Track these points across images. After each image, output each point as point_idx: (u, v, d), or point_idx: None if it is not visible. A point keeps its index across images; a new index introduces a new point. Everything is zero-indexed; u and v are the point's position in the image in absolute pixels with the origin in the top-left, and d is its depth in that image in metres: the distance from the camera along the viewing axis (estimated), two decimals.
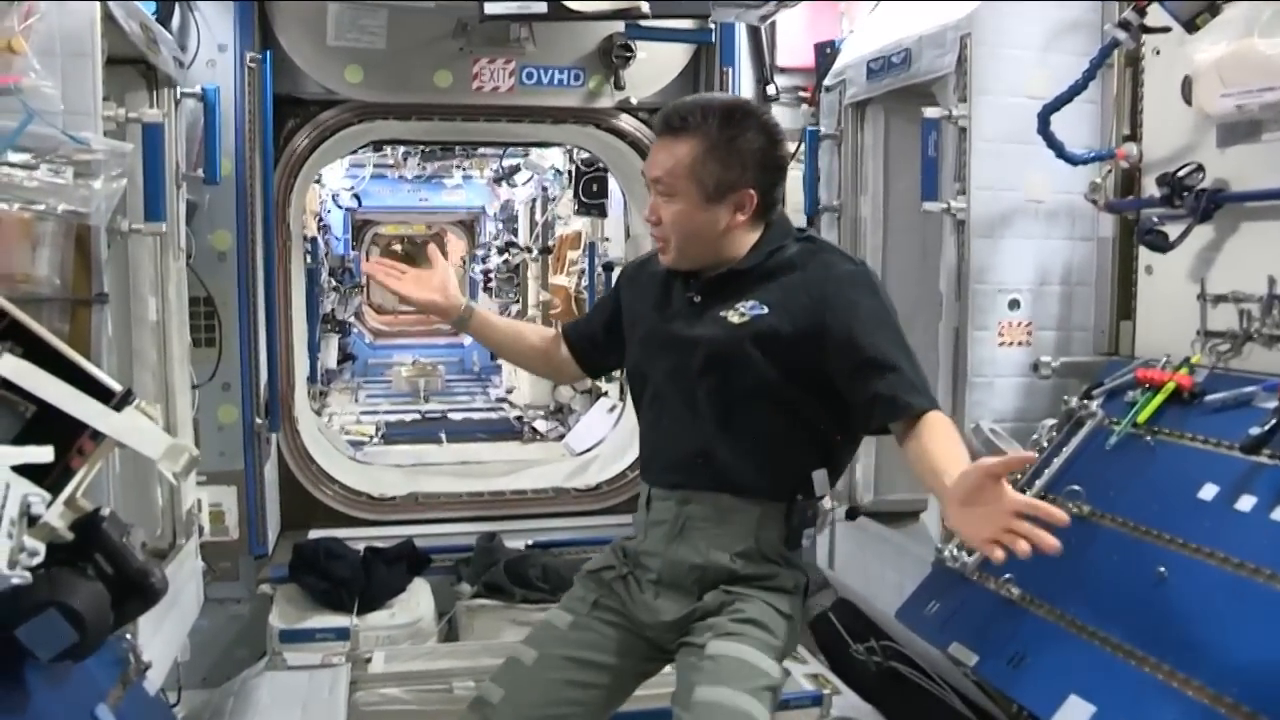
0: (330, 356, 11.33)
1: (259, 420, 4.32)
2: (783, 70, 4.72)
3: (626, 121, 5.10)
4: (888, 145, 3.75)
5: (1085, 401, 2.83)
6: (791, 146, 4.52)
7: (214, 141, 3.35)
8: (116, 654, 2.39)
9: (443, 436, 8.71)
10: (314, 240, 7.52)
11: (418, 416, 10.18)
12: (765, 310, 2.32)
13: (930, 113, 3.13)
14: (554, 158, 9.09)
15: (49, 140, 2.43)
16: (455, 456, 7.62)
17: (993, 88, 3.06)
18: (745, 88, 4.72)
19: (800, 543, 2.42)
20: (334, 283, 10.87)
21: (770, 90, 4.69)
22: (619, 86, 4.83)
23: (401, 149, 10.03)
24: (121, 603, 2.11)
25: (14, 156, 2.45)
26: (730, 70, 4.70)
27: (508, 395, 11.30)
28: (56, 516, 1.89)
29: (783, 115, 4.74)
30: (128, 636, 2.41)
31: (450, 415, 10.31)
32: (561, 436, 8.09)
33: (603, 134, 5.17)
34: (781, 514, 2.37)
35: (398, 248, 17.26)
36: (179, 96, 3.27)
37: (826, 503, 3.89)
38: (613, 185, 7.26)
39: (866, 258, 3.74)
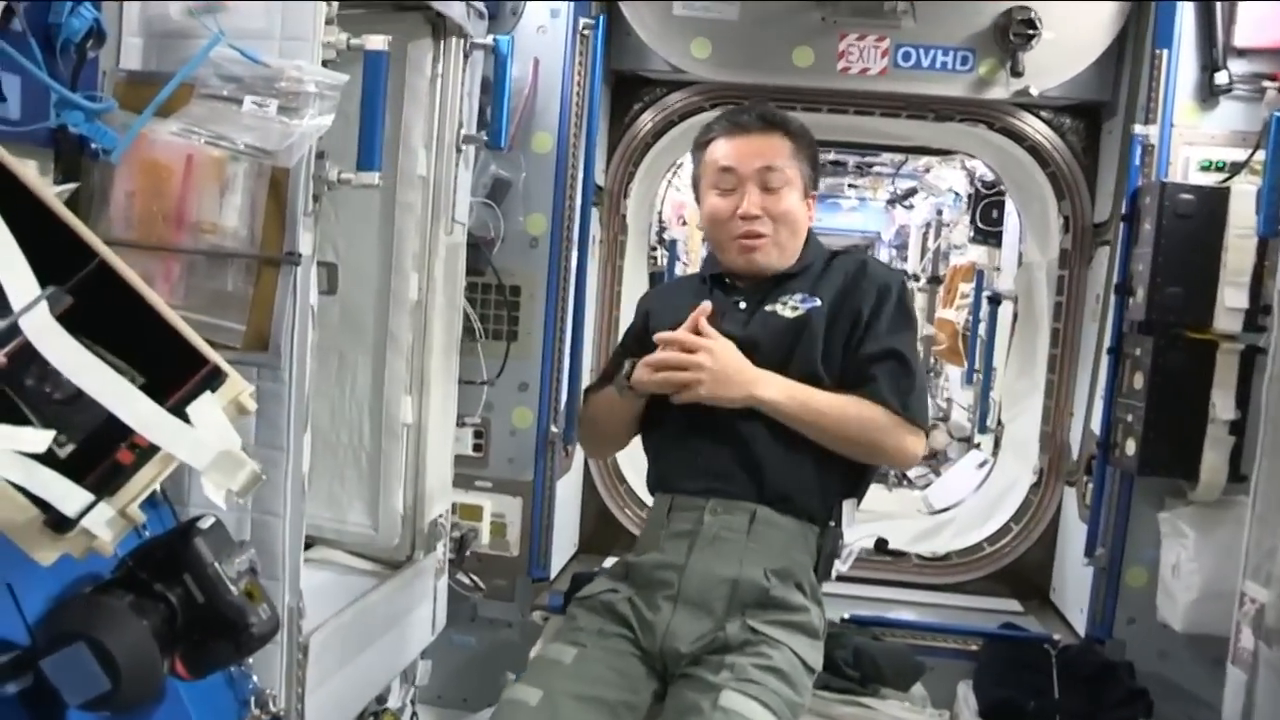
0: None
1: (554, 429, 3.87)
2: (1240, 53, 3.56)
3: (1026, 121, 4.18)
4: None
5: None
6: (1241, 154, 3.51)
7: (502, 99, 2.90)
8: (238, 695, 1.93)
9: None
10: (673, 243, 7.07)
11: None
12: (818, 302, 2.39)
13: None
14: (953, 179, 8.17)
15: (251, 69, 2.04)
16: None
17: None
18: (1184, 76, 3.60)
19: (829, 575, 2.38)
20: None
21: (1220, 79, 3.54)
22: (1016, 73, 3.91)
23: None
24: (209, 642, 1.64)
25: (224, 89, 2.09)
26: (1166, 53, 3.57)
27: None
28: (102, 525, 1.43)
29: (1233, 114, 3.59)
30: (254, 679, 1.93)
31: None
32: (929, 485, 7.17)
33: (994, 136, 4.27)
34: (815, 538, 2.36)
35: None
36: (468, 49, 2.84)
37: (1246, 639, 2.81)
38: (1009, 207, 6.28)
39: None
